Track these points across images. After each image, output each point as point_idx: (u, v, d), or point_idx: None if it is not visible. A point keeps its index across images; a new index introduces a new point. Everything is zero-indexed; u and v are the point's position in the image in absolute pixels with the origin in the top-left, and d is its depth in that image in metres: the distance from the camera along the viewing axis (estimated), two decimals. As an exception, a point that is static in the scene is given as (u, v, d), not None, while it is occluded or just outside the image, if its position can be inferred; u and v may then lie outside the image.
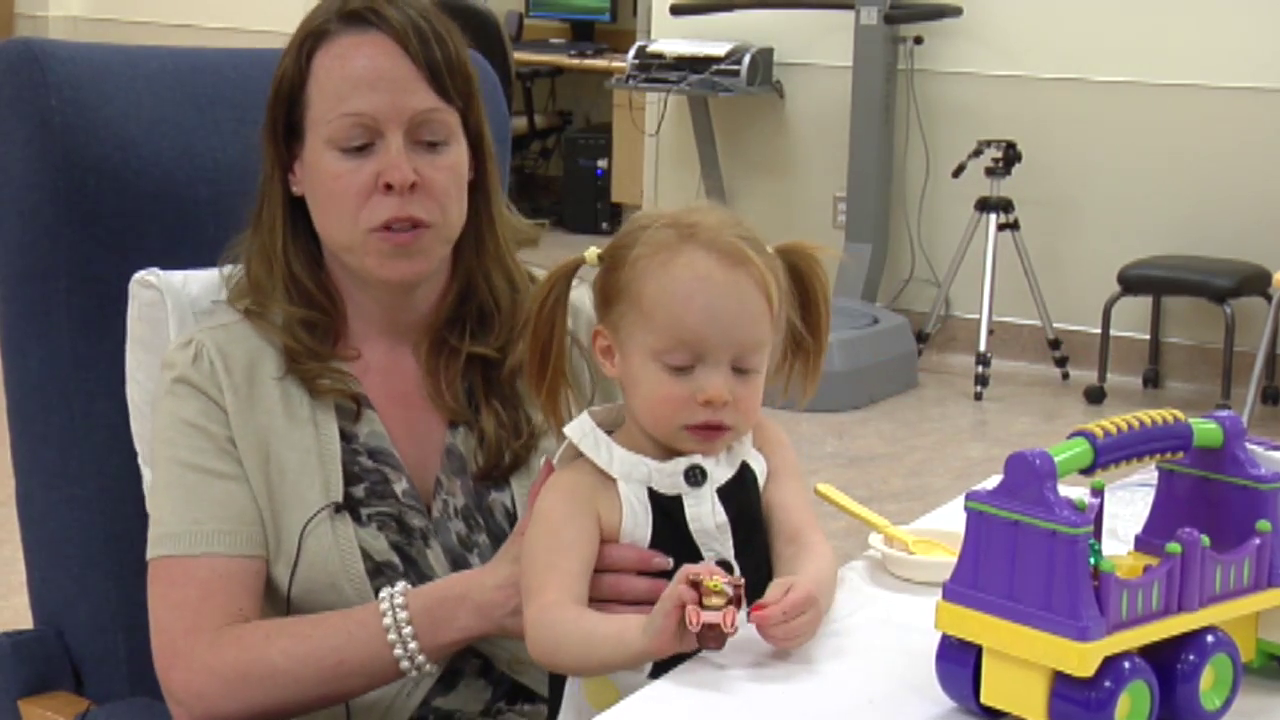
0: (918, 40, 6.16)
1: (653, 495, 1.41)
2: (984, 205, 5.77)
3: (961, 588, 1.19)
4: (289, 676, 1.52)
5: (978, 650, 1.20)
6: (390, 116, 1.56)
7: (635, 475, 1.41)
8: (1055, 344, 5.88)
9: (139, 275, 1.69)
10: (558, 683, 1.44)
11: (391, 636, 1.50)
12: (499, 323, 1.66)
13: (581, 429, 1.44)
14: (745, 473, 1.44)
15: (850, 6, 6.08)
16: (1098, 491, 1.23)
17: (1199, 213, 5.79)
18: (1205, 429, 1.26)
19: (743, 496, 1.43)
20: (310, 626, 1.54)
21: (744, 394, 1.40)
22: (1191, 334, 5.85)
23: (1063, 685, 1.15)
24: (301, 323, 1.62)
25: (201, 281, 1.71)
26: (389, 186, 1.56)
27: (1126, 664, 1.15)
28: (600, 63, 8.04)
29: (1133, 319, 5.80)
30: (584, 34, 8.60)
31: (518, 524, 1.55)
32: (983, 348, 5.66)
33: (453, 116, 1.60)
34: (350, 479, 1.60)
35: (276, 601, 1.59)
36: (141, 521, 1.65)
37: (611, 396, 1.54)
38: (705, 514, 1.41)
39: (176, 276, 1.70)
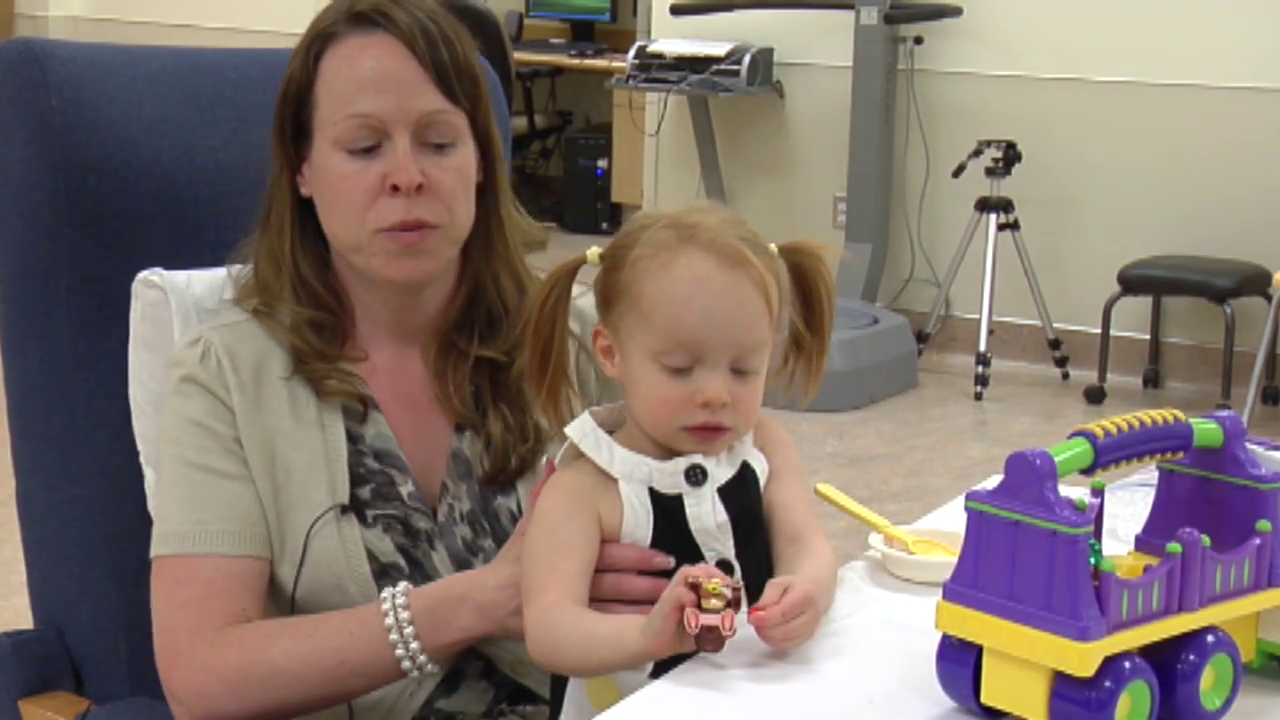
0: (918, 40, 6.17)
1: (654, 495, 1.41)
2: (984, 205, 5.77)
3: (962, 588, 1.19)
4: (290, 676, 1.52)
5: (978, 650, 1.20)
6: (397, 118, 1.57)
7: (636, 475, 1.41)
8: (1055, 344, 5.88)
9: (143, 275, 1.69)
10: (559, 683, 1.44)
11: (393, 636, 1.50)
12: (507, 326, 1.66)
13: (582, 429, 1.44)
14: (746, 472, 1.45)
15: (850, 6, 6.08)
16: (1098, 491, 1.23)
17: (1199, 213, 5.79)
18: (1205, 429, 1.26)
19: (744, 496, 1.43)
20: (312, 626, 1.54)
21: (743, 395, 1.40)
22: (1191, 334, 5.85)
23: (1063, 685, 1.15)
24: (309, 323, 1.62)
25: (206, 281, 1.71)
26: (396, 188, 1.56)
27: (1127, 664, 1.15)
28: (600, 63, 8.04)
29: (1133, 319, 5.81)
30: (584, 34, 8.60)
31: (519, 524, 1.55)
32: (983, 348, 5.66)
33: (460, 118, 1.60)
34: (356, 480, 1.60)
35: (281, 602, 1.59)
36: (142, 522, 1.66)
37: (616, 400, 1.54)
38: (706, 513, 1.41)
39: (180, 276, 1.70)
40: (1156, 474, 1.33)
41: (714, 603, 1.26)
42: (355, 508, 1.59)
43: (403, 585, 1.53)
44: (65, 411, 1.74)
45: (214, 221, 1.75)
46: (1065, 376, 5.89)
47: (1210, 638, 1.21)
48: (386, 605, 1.51)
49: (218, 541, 1.56)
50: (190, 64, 1.84)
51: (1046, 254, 5.95)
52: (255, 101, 1.80)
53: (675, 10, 6.46)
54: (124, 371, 1.71)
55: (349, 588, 1.57)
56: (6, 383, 1.80)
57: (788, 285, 1.45)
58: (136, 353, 1.70)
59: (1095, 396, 5.67)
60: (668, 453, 1.42)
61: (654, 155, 6.97)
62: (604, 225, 7.94)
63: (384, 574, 1.58)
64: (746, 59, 6.31)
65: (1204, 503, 1.28)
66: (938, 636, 1.23)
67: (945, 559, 1.50)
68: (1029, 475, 1.16)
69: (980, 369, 5.67)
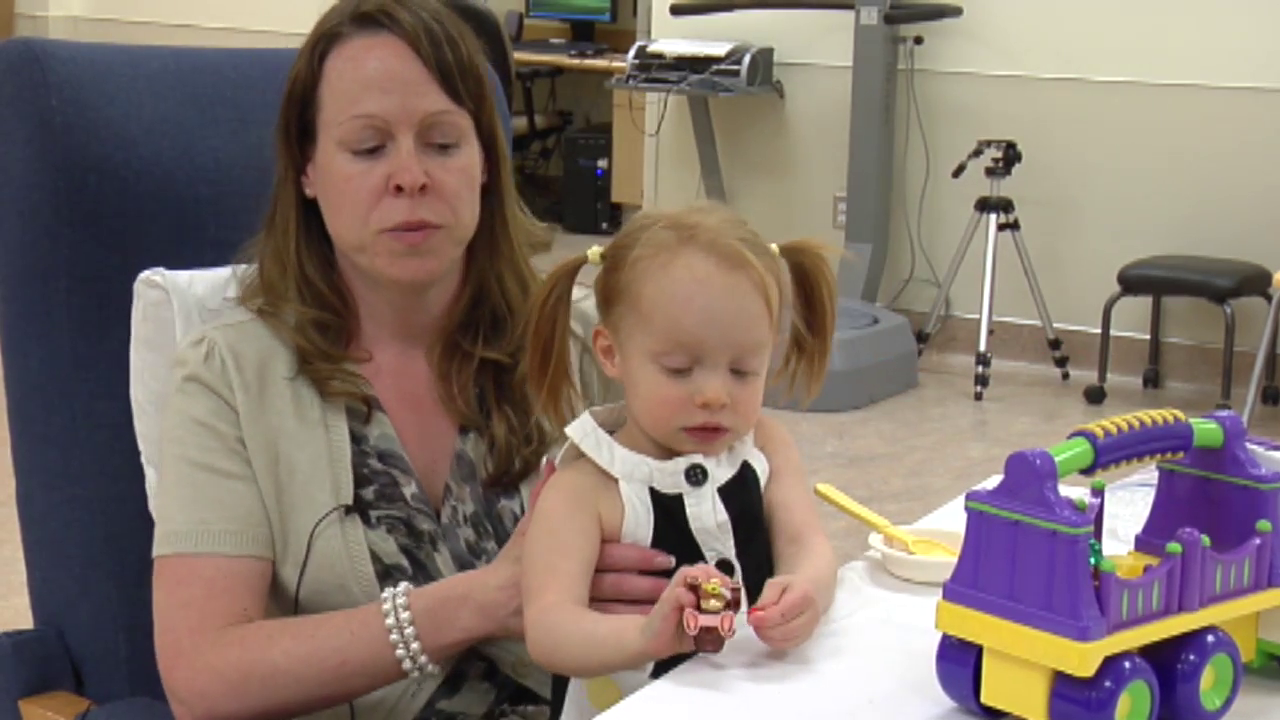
0: (918, 40, 6.16)
1: (654, 495, 1.41)
2: (984, 205, 5.77)
3: (962, 588, 1.19)
4: (291, 676, 1.52)
5: (978, 650, 1.20)
6: (401, 118, 1.57)
7: (637, 475, 1.41)
8: (1055, 344, 5.88)
9: (145, 275, 1.69)
10: (560, 683, 1.44)
11: (394, 636, 1.50)
12: (511, 327, 1.66)
13: (583, 429, 1.44)
14: (746, 472, 1.44)
15: (850, 6, 6.08)
16: (1098, 491, 1.23)
17: (1199, 213, 5.79)
18: (1205, 429, 1.26)
19: (744, 496, 1.43)
20: (313, 626, 1.54)
21: (743, 396, 1.40)
22: (1191, 334, 5.85)
23: (1063, 685, 1.15)
24: (314, 324, 1.62)
25: (208, 281, 1.71)
26: (399, 188, 1.56)
27: (1127, 664, 1.15)
28: (600, 63, 8.04)
29: (1133, 319, 5.80)
30: (584, 34, 8.60)
31: (519, 524, 1.55)
32: (983, 348, 5.66)
33: (464, 119, 1.60)
34: (360, 481, 1.60)
35: (285, 603, 1.59)
36: (143, 522, 1.66)
37: (619, 401, 1.54)
38: (706, 513, 1.41)
39: (182, 276, 1.70)
40: (1156, 474, 1.33)
41: (713, 603, 1.26)
42: (359, 508, 1.59)
43: (403, 585, 1.53)
44: (65, 411, 1.74)
45: (214, 221, 1.75)
46: (1065, 376, 5.89)
47: (1210, 638, 1.21)
48: (387, 605, 1.51)
49: (220, 541, 1.56)
50: (190, 64, 1.84)
51: (1046, 254, 5.95)
52: (255, 101, 1.80)
53: (675, 10, 6.46)
54: (124, 371, 1.71)
55: (353, 588, 1.57)
56: (6, 383, 1.80)
57: (789, 286, 1.45)
58: (138, 353, 1.70)
59: (1095, 396, 5.67)
60: (668, 453, 1.42)
61: (654, 155, 6.97)
62: (604, 225, 7.94)
63: (388, 575, 1.58)
64: (746, 59, 6.31)
65: (1204, 503, 1.28)
66: (938, 636, 1.23)
67: (945, 559, 1.50)
68: (1029, 475, 1.16)
69: (980, 369, 5.67)
